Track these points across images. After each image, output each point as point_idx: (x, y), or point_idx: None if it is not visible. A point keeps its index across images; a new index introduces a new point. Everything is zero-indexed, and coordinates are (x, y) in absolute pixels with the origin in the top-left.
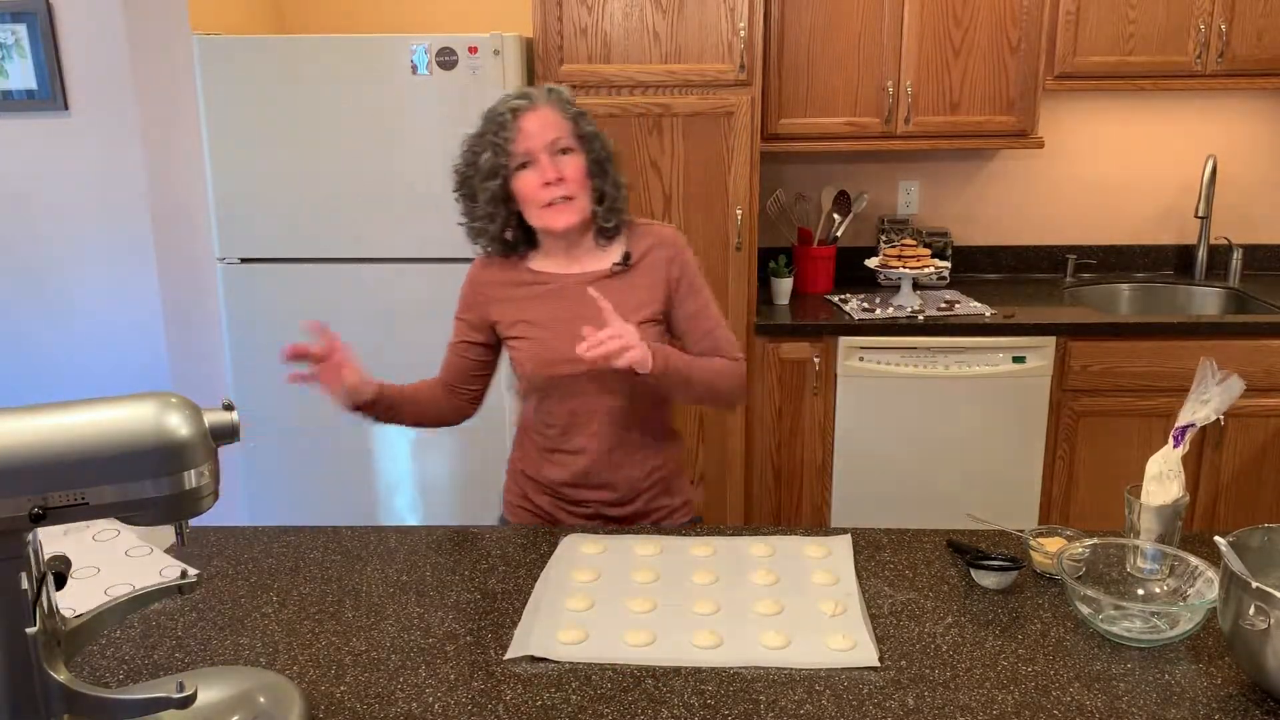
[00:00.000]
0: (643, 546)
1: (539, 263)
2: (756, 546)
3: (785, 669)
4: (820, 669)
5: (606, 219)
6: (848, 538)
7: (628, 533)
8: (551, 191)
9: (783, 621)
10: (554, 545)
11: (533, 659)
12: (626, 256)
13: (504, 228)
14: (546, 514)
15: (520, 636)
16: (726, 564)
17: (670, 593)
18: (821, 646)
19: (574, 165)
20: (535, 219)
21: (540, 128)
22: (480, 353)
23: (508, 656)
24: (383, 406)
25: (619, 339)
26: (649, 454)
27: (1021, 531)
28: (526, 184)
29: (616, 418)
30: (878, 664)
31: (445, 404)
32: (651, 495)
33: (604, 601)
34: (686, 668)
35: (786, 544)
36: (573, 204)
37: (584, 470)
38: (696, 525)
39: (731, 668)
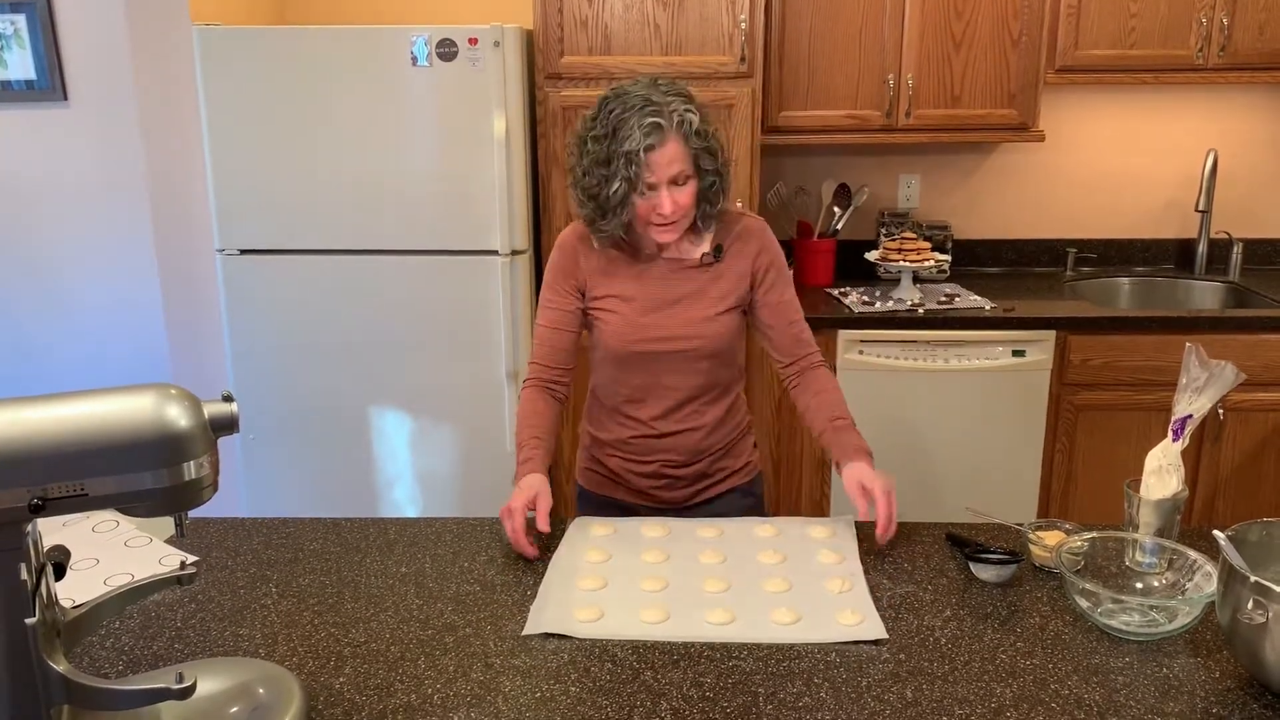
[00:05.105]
0: (650, 529)
1: (634, 238)
2: (762, 528)
3: (789, 653)
4: (830, 643)
5: (704, 223)
6: (850, 519)
7: (636, 516)
8: (664, 219)
9: (793, 598)
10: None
11: (538, 642)
12: (719, 249)
13: (620, 230)
14: (614, 474)
15: (535, 614)
16: (734, 545)
17: (680, 573)
18: (832, 622)
19: (687, 193)
20: (642, 229)
21: (666, 163)
22: (580, 320)
23: (525, 633)
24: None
25: (891, 513)
26: (713, 421)
27: (1020, 525)
28: (643, 207)
29: (685, 389)
30: (886, 636)
31: (558, 415)
32: (715, 457)
33: (616, 581)
34: (697, 643)
35: (791, 526)
36: (679, 224)
37: (648, 431)
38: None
39: (746, 644)
